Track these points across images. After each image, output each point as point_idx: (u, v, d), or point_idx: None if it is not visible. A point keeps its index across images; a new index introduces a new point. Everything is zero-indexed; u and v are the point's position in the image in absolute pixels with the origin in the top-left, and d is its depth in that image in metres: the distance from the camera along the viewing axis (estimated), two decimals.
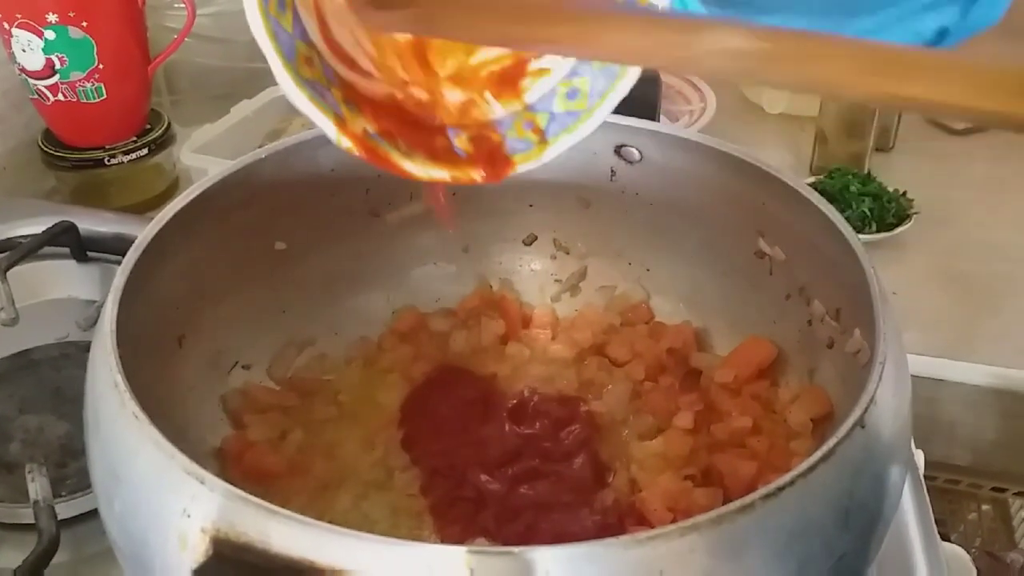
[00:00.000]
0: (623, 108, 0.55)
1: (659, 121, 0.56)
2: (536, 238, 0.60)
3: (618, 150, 0.55)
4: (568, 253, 0.60)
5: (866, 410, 0.35)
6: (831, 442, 0.33)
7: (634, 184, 0.56)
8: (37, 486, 0.50)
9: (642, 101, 0.57)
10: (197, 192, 0.46)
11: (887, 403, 0.36)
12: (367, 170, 0.54)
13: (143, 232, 0.43)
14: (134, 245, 0.42)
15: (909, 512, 0.48)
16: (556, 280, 0.61)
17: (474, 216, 0.59)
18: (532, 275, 0.61)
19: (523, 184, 0.57)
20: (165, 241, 0.44)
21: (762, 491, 0.31)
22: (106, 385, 0.36)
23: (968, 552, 0.48)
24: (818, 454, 0.33)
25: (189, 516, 0.31)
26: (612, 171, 0.56)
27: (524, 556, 0.29)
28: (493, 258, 0.61)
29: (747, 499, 0.31)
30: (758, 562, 0.31)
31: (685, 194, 0.54)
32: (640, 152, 0.54)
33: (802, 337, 0.51)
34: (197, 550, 0.31)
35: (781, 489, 0.32)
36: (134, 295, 0.41)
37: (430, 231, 0.58)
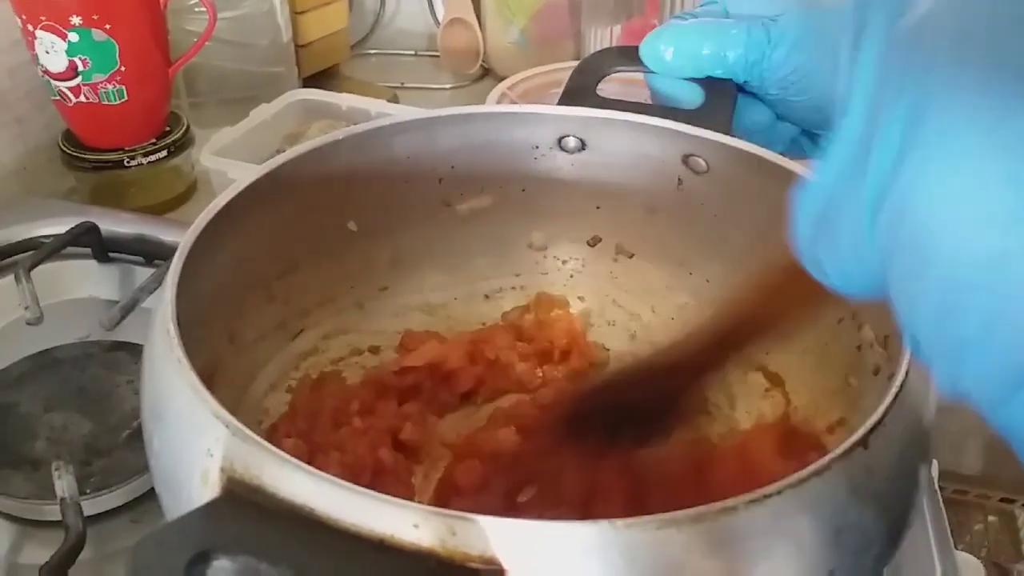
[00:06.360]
0: (695, 118, 0.56)
1: (732, 134, 0.56)
2: (600, 240, 0.61)
3: (685, 159, 0.55)
4: (630, 258, 0.61)
5: (871, 431, 0.34)
6: (827, 457, 0.33)
7: (700, 194, 0.56)
8: (64, 483, 0.50)
9: (716, 112, 0.58)
10: (267, 169, 0.48)
11: (899, 428, 0.36)
12: (441, 161, 0.57)
13: (214, 201, 0.46)
14: (206, 210, 0.45)
15: (926, 519, 0.47)
16: (616, 282, 0.62)
17: (542, 213, 0.60)
18: (593, 276, 0.62)
19: (592, 185, 0.58)
20: (236, 210, 0.47)
21: (746, 496, 0.32)
22: (160, 332, 0.39)
23: None
24: (812, 467, 0.33)
25: (212, 455, 0.34)
26: (679, 180, 0.56)
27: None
28: (556, 256, 0.62)
29: (729, 502, 0.31)
30: (736, 563, 0.32)
31: (749, 208, 0.54)
32: (707, 163, 0.54)
33: (851, 362, 0.51)
34: (215, 487, 0.34)
35: (768, 496, 0.32)
36: (204, 254, 0.44)
37: (498, 224, 0.60)
